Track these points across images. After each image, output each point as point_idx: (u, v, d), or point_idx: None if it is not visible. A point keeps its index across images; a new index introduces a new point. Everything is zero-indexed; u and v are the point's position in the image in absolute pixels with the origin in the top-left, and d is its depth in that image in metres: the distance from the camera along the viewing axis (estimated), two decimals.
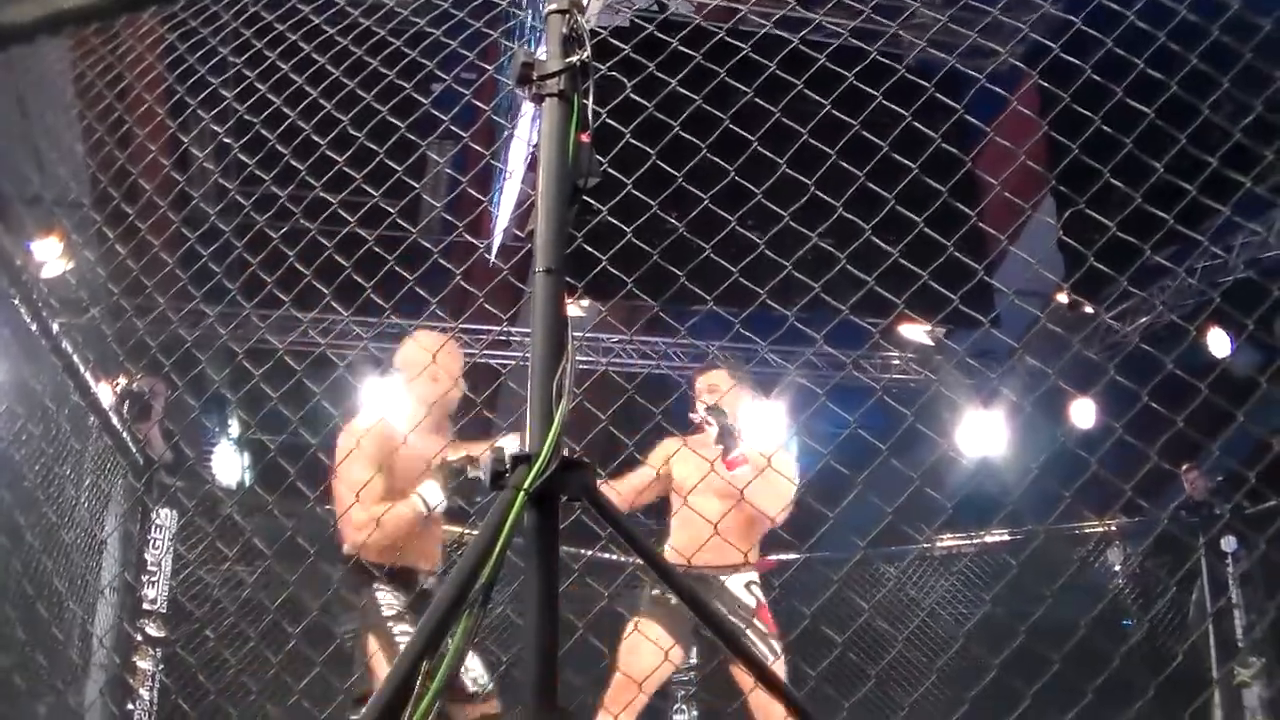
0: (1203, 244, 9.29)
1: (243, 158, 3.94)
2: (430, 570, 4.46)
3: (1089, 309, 11.26)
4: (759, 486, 4.34)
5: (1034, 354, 11.29)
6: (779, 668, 4.56)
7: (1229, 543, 9.32)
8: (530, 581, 1.81)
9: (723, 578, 4.76)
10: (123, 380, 6.56)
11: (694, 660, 4.97)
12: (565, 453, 1.87)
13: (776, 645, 4.69)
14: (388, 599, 4.19)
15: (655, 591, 4.82)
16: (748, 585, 4.81)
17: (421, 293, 3.29)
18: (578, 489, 1.88)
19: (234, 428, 11.80)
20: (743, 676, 4.22)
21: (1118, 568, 10.69)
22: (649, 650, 4.45)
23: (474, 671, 4.30)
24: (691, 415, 4.90)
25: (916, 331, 12.05)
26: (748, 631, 4.59)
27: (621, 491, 4.86)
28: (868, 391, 10.18)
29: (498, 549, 1.71)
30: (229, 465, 11.87)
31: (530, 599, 1.80)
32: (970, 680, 3.54)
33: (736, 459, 4.59)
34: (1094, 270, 3.27)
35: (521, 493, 1.78)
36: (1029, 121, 3.96)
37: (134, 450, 6.44)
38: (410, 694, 1.60)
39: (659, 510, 5.09)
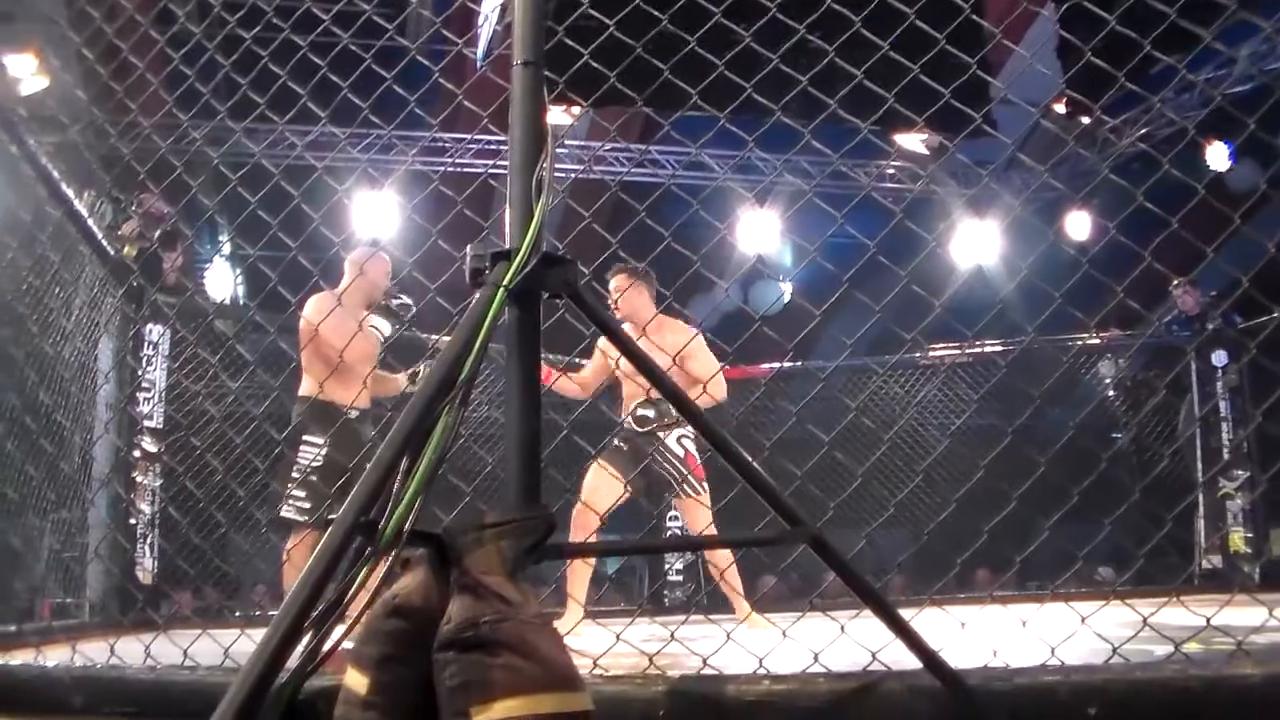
0: (1207, 50, 9.04)
1: None
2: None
3: (1087, 119, 11.08)
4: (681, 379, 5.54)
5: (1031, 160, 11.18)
6: (705, 499, 6.00)
7: (1219, 357, 9.39)
8: (511, 378, 1.78)
9: (660, 434, 6.07)
10: (122, 201, 6.67)
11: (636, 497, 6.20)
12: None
13: (700, 485, 6.06)
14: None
15: (617, 442, 6.17)
16: (679, 439, 6.09)
17: (401, 92, 3.18)
18: (559, 284, 1.83)
19: (225, 245, 11.75)
20: (683, 508, 6.19)
21: (1109, 380, 10.79)
22: (604, 486, 5.68)
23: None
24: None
25: (913, 141, 11.85)
26: (682, 474, 6.00)
27: (584, 379, 6.35)
28: (865, 202, 10.09)
29: (477, 345, 1.67)
30: (221, 282, 11.87)
31: (511, 396, 1.78)
32: (962, 485, 3.59)
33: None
34: (1093, 77, 3.16)
35: (501, 289, 1.73)
36: None
37: (113, 257, 6.46)
38: (389, 491, 1.58)
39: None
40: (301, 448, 5.82)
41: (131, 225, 6.85)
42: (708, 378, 5.90)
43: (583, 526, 5.63)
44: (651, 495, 6.34)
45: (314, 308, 5.58)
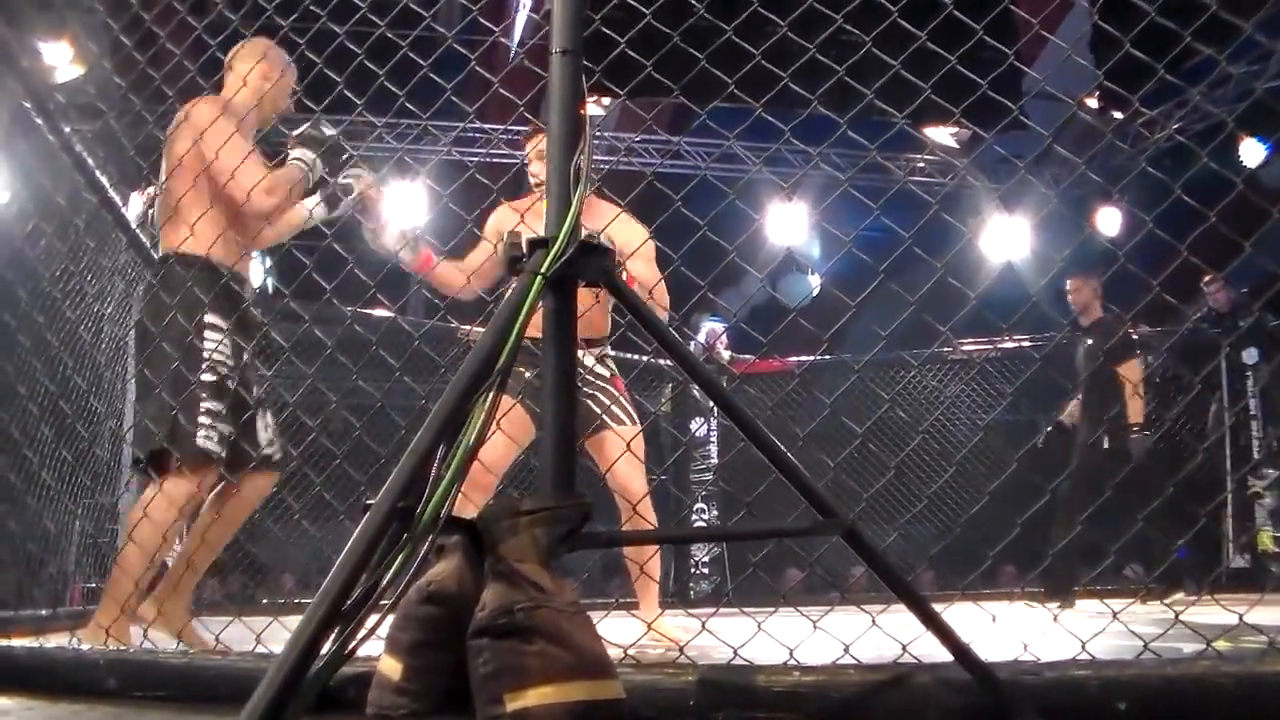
0: (1241, 44, 8.96)
1: None
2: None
3: (1119, 114, 11.04)
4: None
5: (1063, 158, 11.10)
6: (633, 430, 4.84)
7: (1250, 355, 9.33)
8: (548, 367, 1.79)
9: (579, 353, 4.80)
10: (151, 188, 6.57)
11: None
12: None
13: (631, 409, 4.95)
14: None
15: (514, 375, 4.90)
16: (601, 359, 4.99)
17: (438, 80, 3.19)
18: (596, 273, 1.83)
19: None
20: (606, 446, 4.76)
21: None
22: (500, 443, 4.47)
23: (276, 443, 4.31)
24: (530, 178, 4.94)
25: (943, 134, 11.82)
26: (605, 398, 4.87)
27: (462, 268, 4.92)
28: (892, 196, 10.08)
29: (514, 332, 1.68)
30: (252, 269, 11.92)
31: (547, 384, 1.78)
32: (993, 479, 3.58)
33: None
34: (1127, 71, 3.13)
35: (539, 277, 1.73)
36: None
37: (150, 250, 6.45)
38: (425, 479, 1.58)
39: None
40: (206, 334, 3.98)
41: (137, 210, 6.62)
42: (651, 284, 4.68)
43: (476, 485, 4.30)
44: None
45: (203, 118, 3.98)
